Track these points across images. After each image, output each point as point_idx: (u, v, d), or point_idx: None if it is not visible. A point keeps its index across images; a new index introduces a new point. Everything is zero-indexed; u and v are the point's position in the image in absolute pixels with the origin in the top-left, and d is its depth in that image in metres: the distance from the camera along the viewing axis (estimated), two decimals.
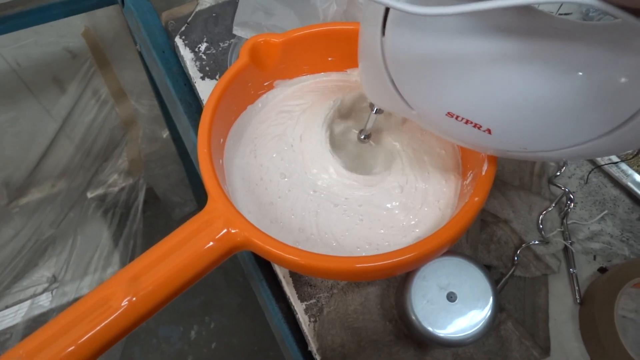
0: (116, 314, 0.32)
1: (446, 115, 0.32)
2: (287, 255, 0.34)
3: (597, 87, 0.26)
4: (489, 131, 0.31)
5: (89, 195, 1.19)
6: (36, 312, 1.20)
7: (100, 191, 1.19)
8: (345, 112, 0.48)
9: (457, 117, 0.32)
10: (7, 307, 1.20)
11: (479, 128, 0.32)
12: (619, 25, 0.25)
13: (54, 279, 1.26)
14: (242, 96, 0.45)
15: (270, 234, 0.38)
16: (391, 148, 0.46)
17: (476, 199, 0.35)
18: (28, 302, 1.19)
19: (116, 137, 1.13)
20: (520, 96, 0.29)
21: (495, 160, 0.38)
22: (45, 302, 1.21)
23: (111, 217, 1.23)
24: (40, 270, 1.24)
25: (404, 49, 0.30)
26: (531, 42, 0.27)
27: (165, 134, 1.13)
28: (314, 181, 0.43)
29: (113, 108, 1.07)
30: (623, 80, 0.25)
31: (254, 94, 0.46)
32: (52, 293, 1.24)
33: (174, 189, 1.30)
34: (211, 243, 0.35)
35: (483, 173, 0.37)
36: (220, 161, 0.42)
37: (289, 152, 0.44)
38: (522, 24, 0.27)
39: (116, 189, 1.20)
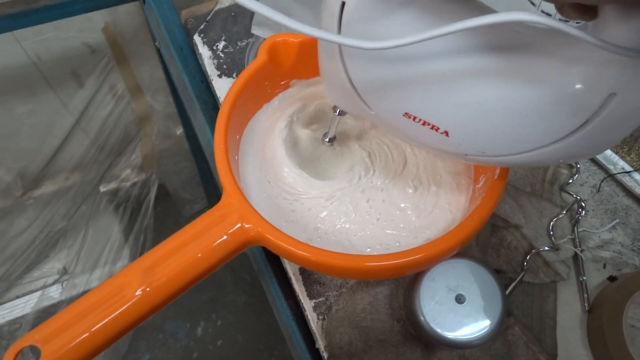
0: (130, 303, 0.33)
1: (403, 116, 0.32)
2: (299, 252, 0.35)
3: (550, 94, 0.27)
4: (447, 133, 0.32)
5: (102, 189, 1.20)
6: (46, 303, 1.21)
7: (112, 185, 1.20)
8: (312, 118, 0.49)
9: (414, 118, 0.32)
10: (17, 297, 1.21)
11: (436, 130, 0.32)
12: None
13: (64, 271, 1.27)
14: (259, 94, 0.45)
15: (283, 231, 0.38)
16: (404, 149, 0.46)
17: (487, 203, 0.36)
18: (38, 293, 1.21)
19: (131, 132, 1.14)
20: (477, 100, 0.29)
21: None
22: (55, 293, 1.23)
23: (122, 212, 1.24)
24: (51, 262, 1.25)
25: (362, 56, 0.31)
26: (487, 52, 0.28)
27: (179, 131, 1.14)
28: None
29: (129, 104, 1.08)
30: (577, 86, 0.26)
31: (271, 92, 0.47)
32: (62, 285, 1.26)
33: (185, 186, 1.31)
34: (225, 237, 0.35)
35: (495, 177, 0.37)
36: (236, 157, 0.43)
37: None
38: (478, 34, 0.28)
39: (128, 183, 1.21)
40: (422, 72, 0.29)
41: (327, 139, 0.45)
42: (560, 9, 0.23)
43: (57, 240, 1.24)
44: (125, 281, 0.34)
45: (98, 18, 0.90)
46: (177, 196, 1.35)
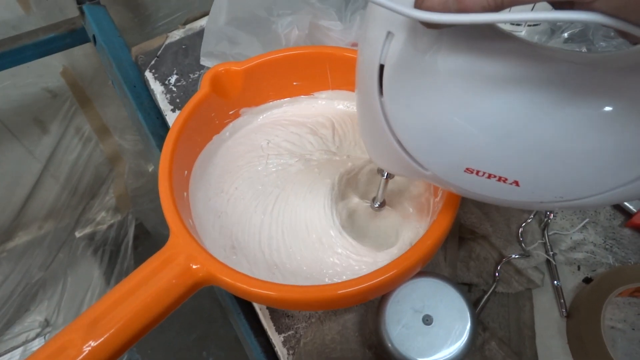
0: None
1: (465, 171, 0.28)
2: (253, 289, 0.33)
3: (628, 118, 0.23)
4: (517, 183, 0.28)
5: (78, 234, 1.17)
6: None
7: (88, 230, 1.18)
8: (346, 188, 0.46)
9: (477, 172, 0.28)
10: None
11: (504, 181, 0.28)
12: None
13: (46, 323, 1.23)
14: (206, 126, 0.44)
15: (241, 267, 0.37)
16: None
17: (444, 219, 0.34)
18: (20, 349, 1.17)
19: (102, 173, 1.12)
20: (546, 140, 0.25)
21: None
22: (38, 347, 1.19)
23: (101, 256, 1.21)
24: (32, 315, 1.22)
25: (406, 106, 0.27)
26: (550, 75, 0.24)
27: (151, 167, 1.12)
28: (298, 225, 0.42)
29: (97, 145, 1.06)
30: None
31: (220, 123, 0.46)
32: (44, 338, 1.22)
33: (164, 223, 1.28)
34: (173, 281, 0.34)
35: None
36: (185, 194, 0.41)
37: (268, 196, 0.44)
38: (534, 56, 0.24)
39: (105, 226, 1.18)
40: (481, 116, 0.26)
41: (376, 205, 0.42)
42: None
43: (36, 292, 1.20)
44: (67, 340, 0.32)
45: (55, 63, 0.89)
46: (157, 233, 1.32)
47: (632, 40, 0.21)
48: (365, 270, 0.38)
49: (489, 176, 0.28)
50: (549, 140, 0.25)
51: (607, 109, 0.23)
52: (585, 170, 0.26)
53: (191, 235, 0.35)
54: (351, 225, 0.43)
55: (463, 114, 0.26)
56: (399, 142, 0.29)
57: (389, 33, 0.25)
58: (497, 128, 0.26)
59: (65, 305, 1.21)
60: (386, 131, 0.29)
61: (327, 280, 0.39)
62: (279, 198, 0.43)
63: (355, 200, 0.45)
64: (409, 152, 0.30)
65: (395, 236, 0.42)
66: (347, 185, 0.45)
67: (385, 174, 0.37)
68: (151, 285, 0.33)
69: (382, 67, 0.26)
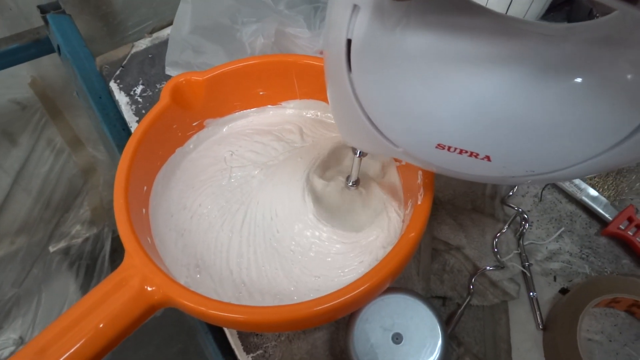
0: None
1: (436, 147, 0.28)
2: (212, 311, 0.31)
3: (599, 90, 0.23)
4: (488, 158, 0.28)
5: (52, 249, 1.14)
6: None
7: (63, 244, 1.15)
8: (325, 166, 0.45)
9: (448, 148, 0.28)
10: None
11: (476, 157, 0.28)
12: (610, 20, 0.22)
13: (21, 341, 1.19)
14: (167, 139, 0.42)
15: (205, 287, 0.35)
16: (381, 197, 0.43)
17: (412, 234, 0.33)
18: None
19: (76, 186, 1.09)
20: (517, 115, 0.25)
21: (432, 187, 0.36)
22: None
23: (77, 270, 1.18)
24: (5, 333, 1.18)
25: (375, 82, 0.27)
26: (519, 50, 0.24)
27: None
28: (266, 232, 0.41)
29: (70, 157, 1.04)
30: (629, 77, 0.22)
31: (182, 135, 0.44)
32: None
33: None
34: (127, 304, 0.32)
35: (419, 202, 0.35)
36: (144, 210, 0.39)
37: (235, 214, 0.42)
38: (504, 31, 0.24)
39: (80, 240, 1.15)
40: (449, 90, 0.26)
41: (350, 183, 0.41)
42: None
43: (10, 309, 1.17)
44: None
45: (24, 73, 0.86)
46: None
47: (601, 9, 0.21)
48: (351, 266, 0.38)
49: (461, 152, 0.28)
50: (520, 114, 0.25)
51: (577, 81, 0.23)
52: (555, 144, 0.26)
53: (147, 256, 0.33)
54: (324, 209, 0.42)
55: (433, 90, 0.26)
56: (369, 119, 0.29)
57: (355, 6, 0.24)
58: (467, 104, 0.26)
59: (40, 322, 1.17)
60: (356, 108, 0.29)
61: (296, 299, 0.37)
62: (247, 216, 0.41)
63: (327, 183, 0.44)
64: (379, 129, 0.29)
65: (373, 214, 0.42)
66: (321, 169, 0.44)
67: (358, 152, 0.37)
68: (103, 309, 0.31)
69: (349, 42, 0.25)
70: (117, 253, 1.27)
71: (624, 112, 0.23)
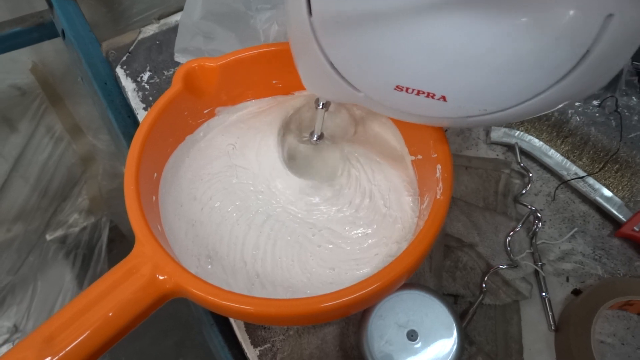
0: None
1: (395, 89, 0.30)
2: (224, 302, 0.30)
3: (545, 26, 0.24)
4: (444, 98, 0.29)
5: (48, 237, 1.13)
6: None
7: (60, 232, 1.13)
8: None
9: (407, 90, 0.29)
10: None
11: (432, 97, 0.29)
12: None
13: (15, 329, 1.18)
14: (178, 126, 0.41)
15: (216, 278, 0.34)
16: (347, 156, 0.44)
17: (431, 228, 0.32)
18: None
19: (74, 174, 1.08)
20: (469, 54, 0.27)
21: (451, 181, 0.35)
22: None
23: (73, 259, 1.16)
24: (0, 321, 1.17)
25: (335, 23, 0.28)
26: None
27: None
28: (267, 208, 0.41)
29: (69, 145, 1.02)
30: (571, 13, 0.23)
31: (193, 123, 0.43)
32: (13, 344, 1.17)
33: None
34: (137, 293, 0.31)
35: (438, 197, 0.34)
36: (154, 198, 0.38)
37: (255, 214, 0.41)
38: None
39: (77, 229, 1.14)
40: (406, 33, 0.27)
41: (314, 138, 0.42)
42: None
43: (5, 297, 1.15)
44: (20, 358, 0.29)
45: (24, 58, 0.85)
46: (133, 237, 1.28)
47: None
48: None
49: (418, 92, 0.29)
50: (472, 54, 0.26)
51: (523, 19, 0.24)
52: (507, 80, 0.27)
53: (159, 243, 0.32)
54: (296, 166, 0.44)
55: (391, 33, 0.27)
56: (330, 63, 0.30)
57: None
58: (423, 46, 0.27)
59: (35, 310, 1.16)
60: (318, 52, 0.30)
61: (309, 292, 0.36)
62: (271, 218, 0.41)
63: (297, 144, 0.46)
64: (340, 73, 0.31)
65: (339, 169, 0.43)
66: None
67: (321, 104, 0.38)
68: (113, 298, 0.30)
69: None
70: (114, 243, 1.26)
71: (567, 47, 0.24)
